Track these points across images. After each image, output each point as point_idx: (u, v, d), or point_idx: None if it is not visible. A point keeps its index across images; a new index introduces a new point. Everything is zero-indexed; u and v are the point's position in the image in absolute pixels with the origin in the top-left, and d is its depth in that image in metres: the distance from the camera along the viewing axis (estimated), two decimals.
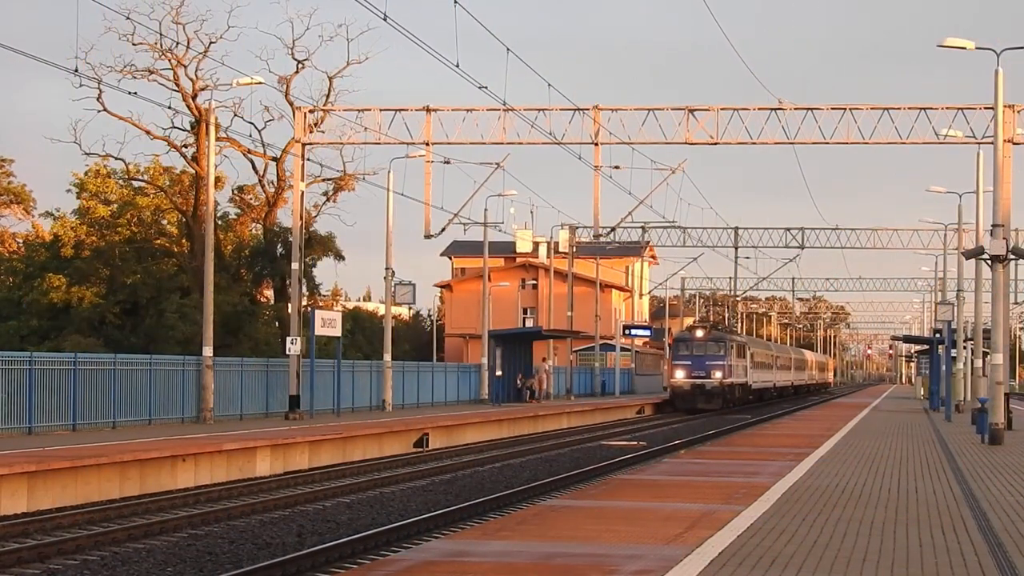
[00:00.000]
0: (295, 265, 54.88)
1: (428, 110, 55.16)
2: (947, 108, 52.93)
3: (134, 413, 43.04)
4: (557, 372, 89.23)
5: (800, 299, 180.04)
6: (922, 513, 20.79)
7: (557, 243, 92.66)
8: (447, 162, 61.32)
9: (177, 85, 73.39)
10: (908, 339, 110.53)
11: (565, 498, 25.60)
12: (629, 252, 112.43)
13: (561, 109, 54.96)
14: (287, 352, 52.26)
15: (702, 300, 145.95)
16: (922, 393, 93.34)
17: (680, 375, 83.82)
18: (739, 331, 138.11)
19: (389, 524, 25.31)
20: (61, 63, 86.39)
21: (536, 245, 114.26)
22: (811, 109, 54.05)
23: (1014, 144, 49.77)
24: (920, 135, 53.04)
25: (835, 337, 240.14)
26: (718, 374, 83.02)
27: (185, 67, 73.46)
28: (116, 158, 76.57)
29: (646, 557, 15.75)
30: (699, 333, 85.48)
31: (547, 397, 79.64)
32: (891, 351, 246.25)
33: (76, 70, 54.10)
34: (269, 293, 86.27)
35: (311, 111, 58.49)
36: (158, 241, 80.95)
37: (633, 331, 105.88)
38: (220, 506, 28.94)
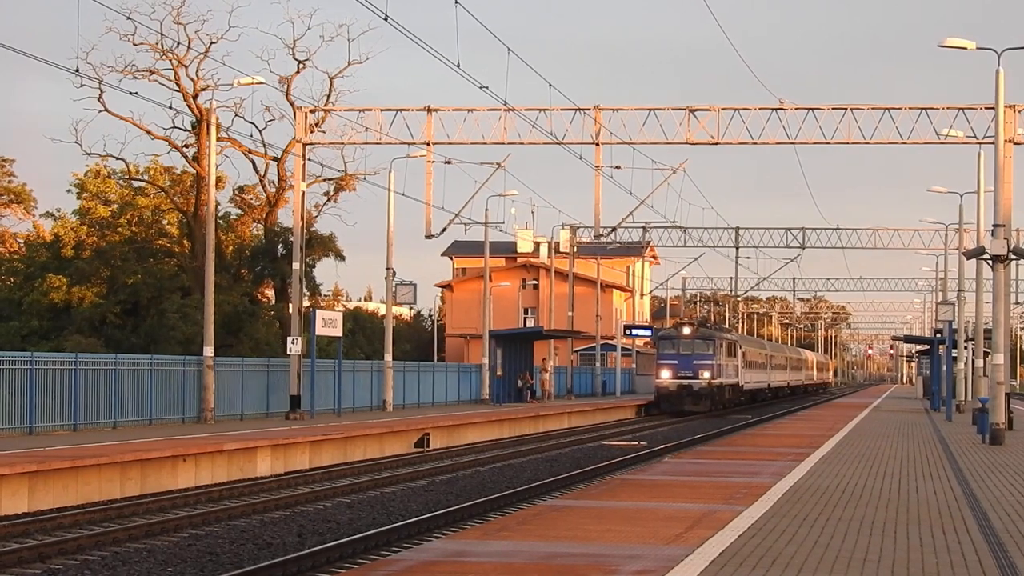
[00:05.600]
0: (296, 265, 54.88)
1: (429, 110, 55.18)
2: (948, 108, 52.95)
3: (135, 413, 43.04)
4: (558, 372, 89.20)
5: (801, 299, 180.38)
6: (923, 513, 20.79)
7: (558, 243, 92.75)
8: (448, 162, 61.35)
9: (178, 85, 73.41)
10: (909, 339, 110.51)
11: (566, 498, 25.60)
12: (630, 252, 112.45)
13: (562, 109, 55.00)
14: (288, 352, 52.28)
15: (703, 300, 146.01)
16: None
17: (665, 375, 79.49)
18: (739, 331, 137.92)
19: (390, 524, 25.30)
20: (62, 63, 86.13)
21: (537, 245, 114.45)
22: (812, 109, 54.08)
23: (1015, 144, 49.76)
24: (921, 135, 53.06)
25: (836, 337, 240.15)
26: (706, 374, 78.71)
27: (186, 67, 73.49)
28: (117, 158, 76.62)
29: (647, 557, 15.75)
30: (685, 330, 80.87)
31: (547, 397, 79.56)
32: (892, 351, 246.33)
33: (77, 70, 54.14)
34: (270, 293, 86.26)
35: (312, 111, 58.51)
36: (159, 241, 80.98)
37: (634, 331, 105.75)
38: (221, 506, 28.94)
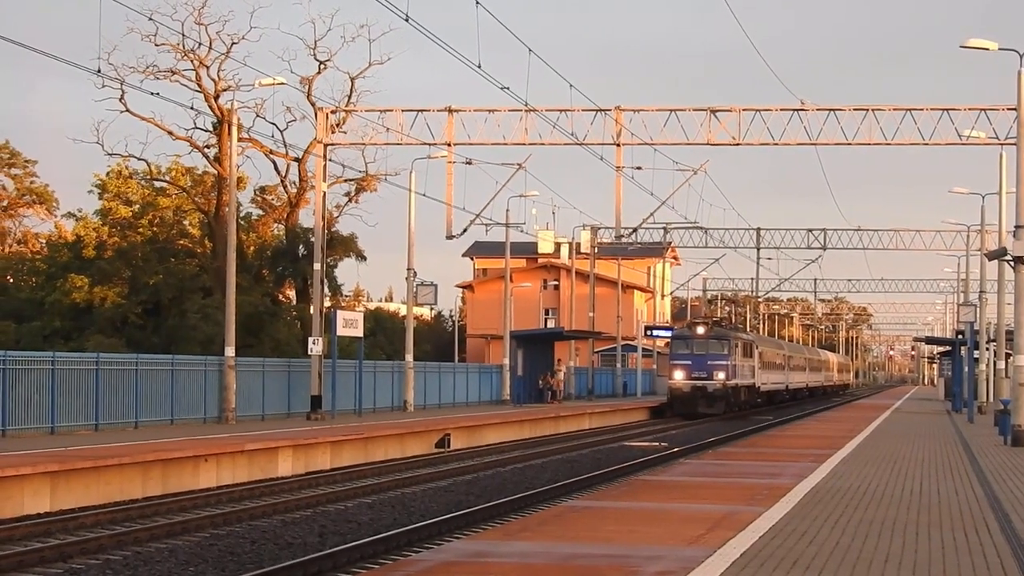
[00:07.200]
0: (317, 266, 54.96)
1: (450, 111, 55.23)
2: (970, 109, 52.86)
3: (156, 413, 43.14)
4: (579, 373, 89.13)
5: (822, 300, 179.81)
6: (944, 515, 20.74)
7: (579, 244, 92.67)
8: (469, 163, 61.29)
9: (199, 86, 73.54)
10: (930, 340, 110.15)
11: (586, 499, 25.60)
12: (651, 253, 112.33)
13: (583, 110, 55.01)
14: (309, 352, 52.35)
15: (724, 301, 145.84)
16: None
17: (679, 376, 76.64)
18: (761, 332, 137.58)
19: (410, 525, 25.33)
20: (84, 64, 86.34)
21: (558, 246, 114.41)
22: (833, 110, 54.02)
23: None
24: (943, 136, 52.97)
25: (857, 338, 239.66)
26: (721, 375, 76.08)
27: (207, 68, 73.65)
28: (138, 158, 76.85)
29: (667, 558, 15.74)
30: (700, 330, 77.90)
31: (559, 397, 79.22)
32: (913, 352, 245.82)
33: (99, 71, 54.11)
34: (291, 293, 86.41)
35: (333, 112, 58.56)
36: (180, 242, 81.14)
37: (655, 332, 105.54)
38: (242, 506, 28.98)
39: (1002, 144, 53.01)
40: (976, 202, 68.46)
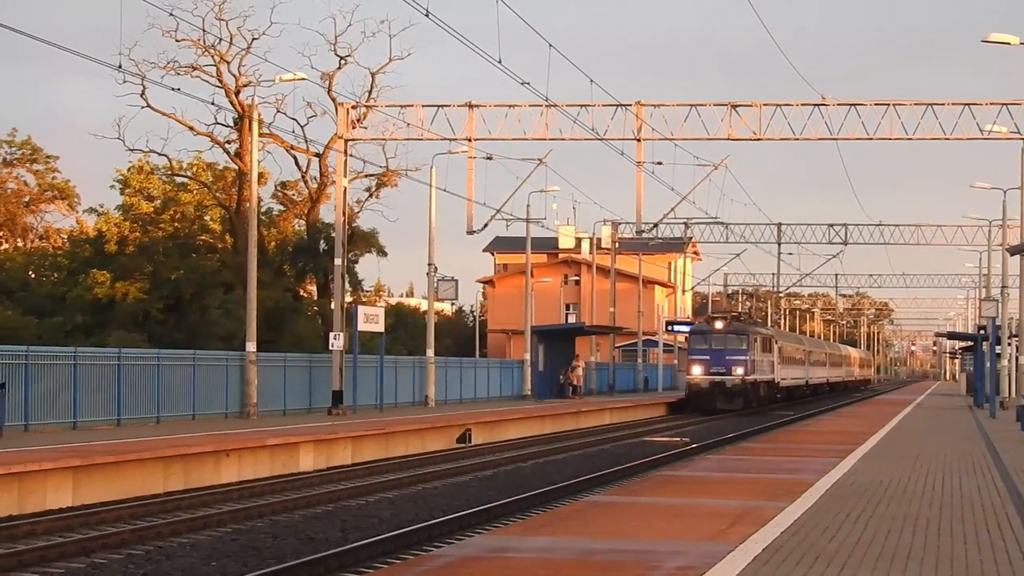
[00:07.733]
0: (338, 261, 55.01)
1: (470, 106, 55.25)
2: (991, 104, 52.76)
3: (178, 408, 43.25)
4: (600, 368, 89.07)
5: (843, 295, 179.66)
6: (966, 510, 20.69)
7: (599, 239, 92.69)
8: (489, 158, 61.31)
9: (220, 81, 73.57)
10: (952, 336, 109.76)
11: (607, 494, 25.58)
12: (672, 248, 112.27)
13: (603, 105, 55.01)
14: (330, 348, 52.41)
15: (745, 296, 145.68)
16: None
17: (697, 371, 75.48)
18: (782, 327, 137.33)
19: (431, 520, 25.32)
20: (105, 60, 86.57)
21: (578, 241, 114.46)
22: (854, 105, 53.95)
23: None
24: (964, 131, 52.87)
25: (879, 333, 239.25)
26: (739, 370, 74.80)
27: (228, 63, 73.65)
28: (160, 154, 76.90)
29: (688, 553, 15.72)
30: (718, 324, 76.92)
31: (580, 393, 79.07)
32: (935, 348, 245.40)
33: (120, 66, 54.05)
34: (312, 289, 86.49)
35: (354, 107, 58.62)
36: (201, 237, 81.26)
37: (676, 327, 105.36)
38: (264, 501, 29.01)
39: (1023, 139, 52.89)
40: (998, 197, 68.48)
